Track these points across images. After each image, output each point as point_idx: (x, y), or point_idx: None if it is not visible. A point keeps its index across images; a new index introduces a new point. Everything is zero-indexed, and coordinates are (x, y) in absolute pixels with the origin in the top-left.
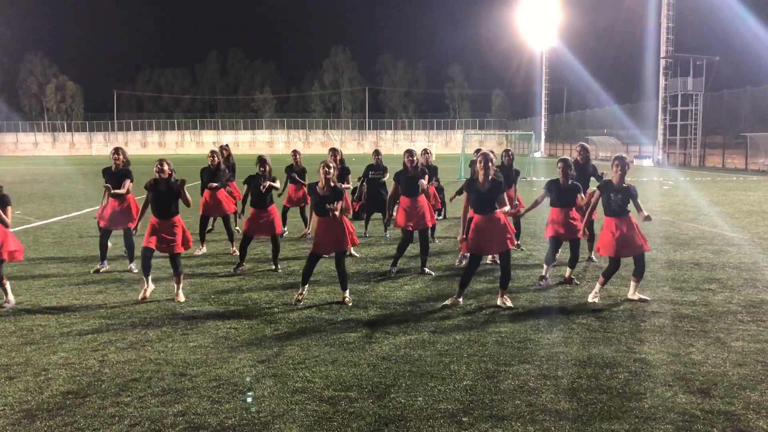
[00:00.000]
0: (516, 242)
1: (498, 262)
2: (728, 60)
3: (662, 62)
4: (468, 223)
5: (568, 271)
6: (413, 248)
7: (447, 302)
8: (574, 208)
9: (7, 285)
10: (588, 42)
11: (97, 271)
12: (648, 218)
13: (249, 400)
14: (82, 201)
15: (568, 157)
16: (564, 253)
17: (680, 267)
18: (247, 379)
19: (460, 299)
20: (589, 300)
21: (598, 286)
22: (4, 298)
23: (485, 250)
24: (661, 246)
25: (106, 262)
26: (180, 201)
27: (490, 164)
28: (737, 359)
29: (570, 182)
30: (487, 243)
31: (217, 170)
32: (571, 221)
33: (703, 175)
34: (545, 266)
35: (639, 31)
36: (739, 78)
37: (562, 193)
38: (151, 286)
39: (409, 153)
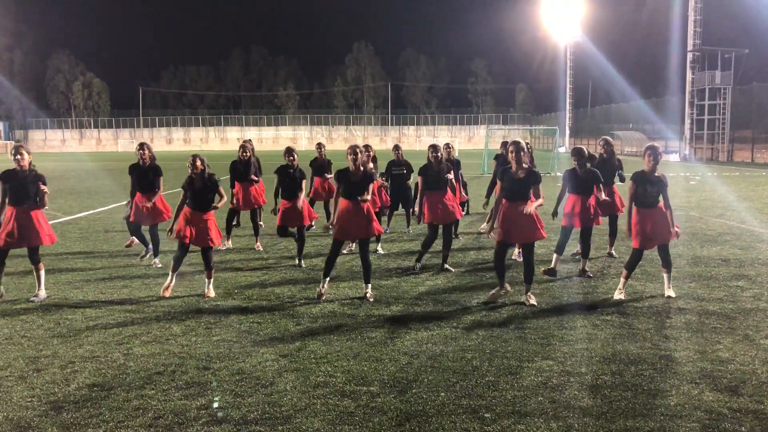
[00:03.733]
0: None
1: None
2: (757, 53)
3: (689, 55)
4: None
5: (582, 263)
6: (436, 244)
7: (495, 298)
8: (592, 197)
9: (42, 273)
10: (612, 35)
11: (146, 254)
12: (678, 235)
13: (216, 405)
14: (109, 197)
15: (583, 147)
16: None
17: (707, 263)
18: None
19: (507, 286)
20: (615, 297)
21: (622, 280)
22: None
23: (512, 238)
24: (687, 242)
25: (150, 246)
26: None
27: (522, 153)
28: (766, 357)
29: (585, 171)
30: (514, 232)
31: (249, 163)
32: (588, 209)
33: (731, 170)
34: (555, 256)
35: (664, 24)
36: None
37: (579, 181)
38: (173, 282)
39: (433, 148)
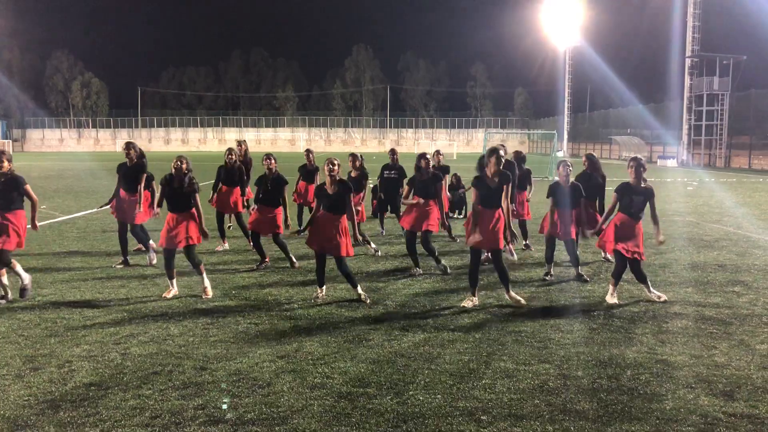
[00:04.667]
0: (525, 242)
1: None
2: (756, 59)
3: (688, 61)
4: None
5: (574, 270)
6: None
7: (464, 303)
8: (574, 211)
9: (4, 278)
10: (612, 41)
11: (121, 264)
12: (662, 243)
13: (225, 407)
14: (106, 196)
15: (568, 160)
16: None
17: (704, 268)
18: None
19: (475, 298)
20: (609, 301)
21: (611, 287)
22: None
23: (479, 244)
24: (684, 247)
25: (128, 257)
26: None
27: (502, 159)
28: (762, 362)
29: (570, 185)
30: (482, 238)
31: (233, 169)
32: (568, 223)
33: (728, 176)
34: (547, 265)
35: (664, 29)
36: (766, 77)
37: (563, 195)
38: (176, 290)
39: (423, 157)
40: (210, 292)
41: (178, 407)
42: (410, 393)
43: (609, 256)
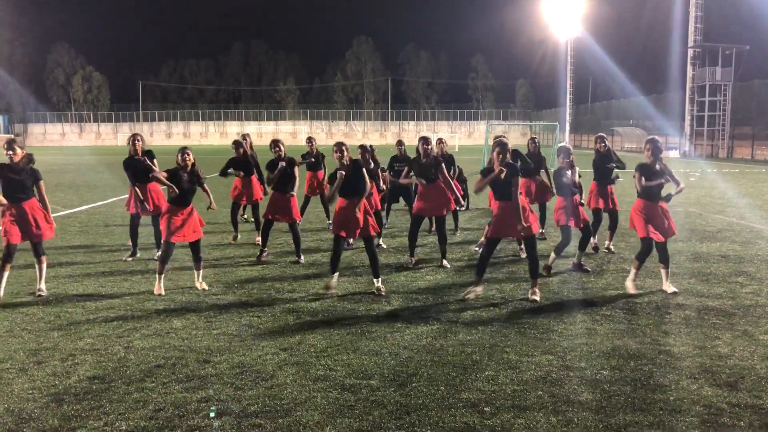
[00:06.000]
0: (540, 230)
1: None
2: (758, 49)
3: (690, 52)
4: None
5: (577, 255)
6: (435, 238)
7: (467, 294)
8: (577, 196)
9: (44, 267)
10: (614, 31)
11: (131, 256)
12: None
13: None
14: (108, 191)
15: (568, 144)
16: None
17: (707, 259)
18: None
19: (479, 288)
20: (627, 285)
21: (633, 271)
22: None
23: (506, 233)
24: (687, 238)
25: (137, 252)
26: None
27: (507, 152)
28: (765, 352)
29: (570, 171)
30: (509, 227)
31: (246, 159)
32: (578, 207)
33: (731, 167)
34: (552, 255)
35: (666, 20)
36: None
37: (567, 183)
38: (163, 283)
39: (424, 140)
40: (205, 285)
41: (182, 400)
42: (413, 385)
43: (611, 247)
